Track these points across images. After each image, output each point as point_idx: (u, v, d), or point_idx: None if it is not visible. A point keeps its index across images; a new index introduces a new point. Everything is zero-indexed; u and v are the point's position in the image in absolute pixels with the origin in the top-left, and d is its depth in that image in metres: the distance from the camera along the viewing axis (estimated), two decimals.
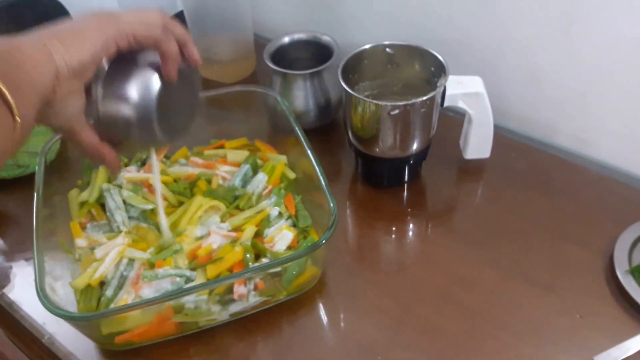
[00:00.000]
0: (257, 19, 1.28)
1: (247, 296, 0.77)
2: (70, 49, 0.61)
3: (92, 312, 0.78)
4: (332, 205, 0.78)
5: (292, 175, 0.96)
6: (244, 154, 0.99)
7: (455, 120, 1.05)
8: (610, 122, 0.99)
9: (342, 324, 0.83)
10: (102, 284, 0.82)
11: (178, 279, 0.79)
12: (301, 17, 1.26)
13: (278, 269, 0.77)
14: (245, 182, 0.94)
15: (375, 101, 0.87)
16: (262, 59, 1.04)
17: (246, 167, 0.95)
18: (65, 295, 0.77)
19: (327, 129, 1.10)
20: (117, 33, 0.65)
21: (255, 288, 0.77)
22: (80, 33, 0.62)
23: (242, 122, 1.02)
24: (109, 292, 0.80)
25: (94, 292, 0.80)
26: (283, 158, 0.98)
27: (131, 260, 0.83)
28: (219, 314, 0.78)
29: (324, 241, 0.76)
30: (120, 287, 0.81)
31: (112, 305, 0.79)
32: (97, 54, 0.63)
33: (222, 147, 1.02)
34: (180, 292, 0.73)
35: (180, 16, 1.20)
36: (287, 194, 0.92)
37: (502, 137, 1.03)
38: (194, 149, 1.02)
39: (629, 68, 0.92)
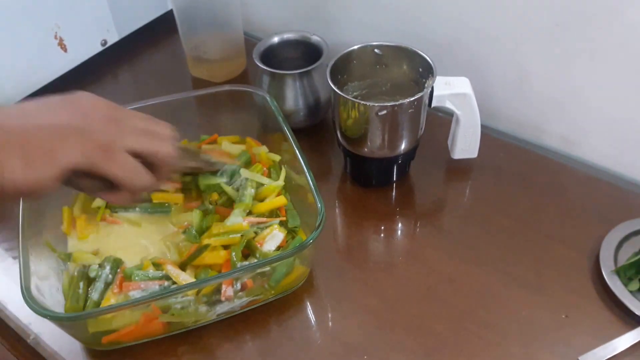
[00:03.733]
0: (247, 18, 1.28)
1: (234, 296, 0.77)
2: (27, 170, 0.55)
3: (78, 312, 0.78)
4: (319, 205, 0.78)
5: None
6: (239, 147, 0.98)
7: (443, 120, 1.06)
8: (597, 123, 0.99)
9: (329, 324, 0.83)
10: (89, 284, 0.82)
11: (167, 282, 0.79)
12: (291, 16, 1.26)
13: (266, 268, 0.77)
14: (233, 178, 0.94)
15: (363, 102, 0.87)
16: (252, 57, 1.04)
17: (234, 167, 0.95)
18: (51, 295, 0.77)
19: (316, 128, 1.10)
20: (101, 159, 0.61)
21: (244, 288, 0.77)
22: (51, 151, 0.57)
23: (232, 121, 1.02)
24: (94, 295, 0.80)
25: (81, 293, 0.80)
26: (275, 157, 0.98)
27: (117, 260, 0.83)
28: (206, 314, 0.78)
29: (311, 241, 0.76)
30: (106, 288, 0.81)
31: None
32: (60, 178, 0.58)
33: (214, 142, 1.02)
34: (166, 293, 0.73)
35: (171, 15, 1.20)
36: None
37: (490, 138, 1.03)
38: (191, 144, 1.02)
39: (615, 69, 0.92)
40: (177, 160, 0.73)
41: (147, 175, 0.67)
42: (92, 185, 0.66)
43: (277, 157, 0.96)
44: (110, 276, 0.81)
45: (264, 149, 0.98)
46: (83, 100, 0.64)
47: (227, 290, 0.76)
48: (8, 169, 0.54)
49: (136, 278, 0.79)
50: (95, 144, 0.61)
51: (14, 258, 0.91)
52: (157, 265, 0.81)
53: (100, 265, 0.81)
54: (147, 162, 0.67)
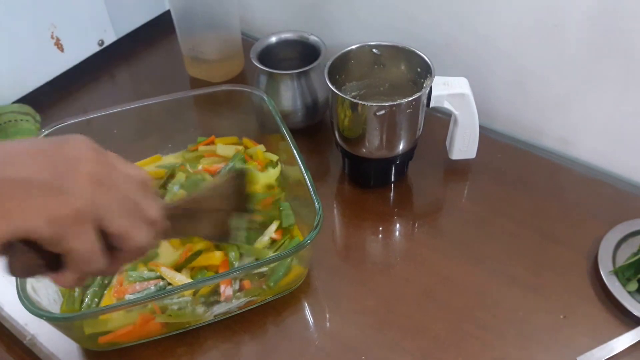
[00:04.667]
0: (244, 18, 1.28)
1: (232, 297, 0.77)
2: None
3: (74, 312, 0.77)
4: (317, 205, 0.78)
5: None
6: (233, 149, 0.98)
7: (441, 121, 1.06)
8: (595, 123, 0.99)
9: (327, 324, 0.83)
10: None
11: (162, 282, 0.79)
12: (289, 16, 1.26)
13: (264, 269, 0.77)
14: None
15: (361, 102, 0.87)
16: (249, 57, 1.04)
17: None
18: (47, 295, 0.76)
19: (314, 129, 1.10)
20: (68, 230, 0.49)
21: (241, 288, 0.77)
22: (6, 210, 0.46)
23: (229, 121, 1.02)
24: (90, 299, 0.80)
25: (77, 296, 0.80)
26: (272, 156, 0.98)
27: None
28: (204, 315, 0.78)
29: (309, 241, 0.76)
30: (102, 291, 0.80)
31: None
32: (13, 238, 0.47)
33: (212, 143, 1.02)
34: (164, 293, 0.73)
35: (168, 15, 1.20)
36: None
37: (488, 138, 1.03)
38: (188, 147, 1.02)
39: (613, 69, 0.92)
40: (146, 251, 0.57)
41: (102, 260, 0.53)
42: (30, 261, 0.52)
43: (274, 157, 0.96)
44: (105, 280, 0.80)
45: (260, 148, 0.98)
46: (72, 149, 0.52)
47: (227, 290, 0.76)
48: None
49: (130, 279, 0.79)
50: (67, 210, 0.49)
51: None
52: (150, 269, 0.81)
53: None
54: (111, 244, 0.53)
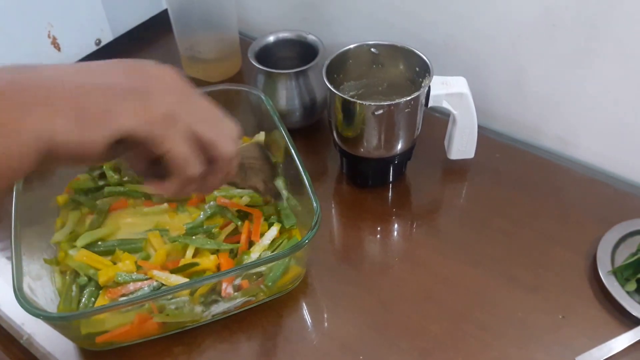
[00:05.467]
0: (242, 17, 1.27)
1: (230, 296, 0.77)
2: (81, 132, 0.49)
3: (71, 312, 0.77)
4: (315, 205, 0.78)
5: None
6: None
7: (440, 120, 1.06)
8: (594, 123, 0.99)
9: (325, 324, 0.83)
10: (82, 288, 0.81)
11: (155, 283, 0.78)
12: (287, 16, 1.26)
13: (262, 268, 0.76)
14: None
15: (359, 101, 0.87)
16: (247, 57, 1.04)
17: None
18: (44, 295, 0.76)
19: (312, 128, 1.09)
20: (161, 130, 0.53)
21: (239, 288, 0.77)
22: (107, 111, 0.50)
23: None
24: (86, 299, 0.79)
25: (74, 296, 0.79)
26: None
27: None
28: (202, 315, 0.78)
29: (307, 241, 0.75)
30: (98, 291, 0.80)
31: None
32: (111, 142, 0.50)
33: None
34: (161, 293, 0.73)
35: (165, 14, 1.19)
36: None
37: (487, 138, 1.03)
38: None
39: (612, 69, 0.92)
40: (236, 176, 0.66)
41: (198, 164, 0.58)
42: (138, 163, 0.61)
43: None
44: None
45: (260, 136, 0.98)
46: (149, 66, 0.56)
47: (228, 288, 0.76)
48: (61, 130, 0.48)
49: (119, 279, 0.78)
50: (157, 112, 0.53)
51: (8, 258, 0.90)
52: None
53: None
54: (204, 155, 0.59)
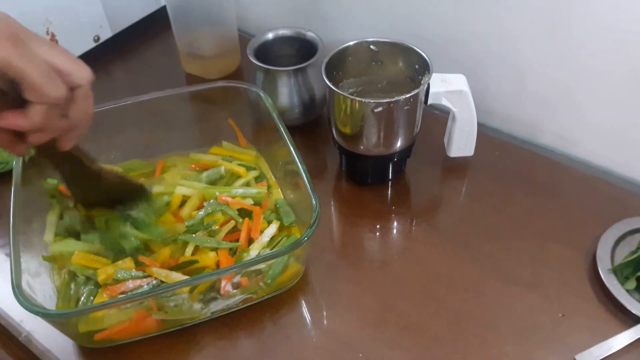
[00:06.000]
0: (241, 14, 1.27)
1: (230, 292, 0.77)
2: None
3: (69, 309, 0.77)
4: (314, 202, 0.78)
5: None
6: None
7: (439, 118, 1.05)
8: (594, 121, 0.99)
9: (324, 322, 0.83)
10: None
11: (154, 280, 0.78)
12: (286, 13, 1.25)
13: (262, 266, 0.76)
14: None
15: (358, 98, 0.86)
16: (246, 54, 1.03)
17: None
18: (42, 292, 0.76)
19: (311, 126, 1.09)
20: (12, 50, 0.52)
21: (238, 285, 0.77)
22: None
23: (225, 118, 1.01)
24: (85, 298, 0.79)
25: (73, 292, 0.79)
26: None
27: None
28: (201, 312, 0.78)
29: (305, 238, 0.75)
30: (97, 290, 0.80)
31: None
32: None
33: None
34: (160, 290, 0.72)
35: (164, 11, 1.19)
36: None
37: (486, 136, 1.03)
38: (190, 155, 1.01)
39: (612, 67, 0.92)
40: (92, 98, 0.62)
41: (62, 86, 0.56)
42: None
43: (252, 152, 0.98)
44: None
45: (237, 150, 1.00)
46: None
47: (227, 286, 0.75)
48: None
49: (118, 276, 0.78)
50: (4, 32, 0.52)
51: (6, 255, 0.90)
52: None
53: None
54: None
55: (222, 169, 0.95)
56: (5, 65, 0.51)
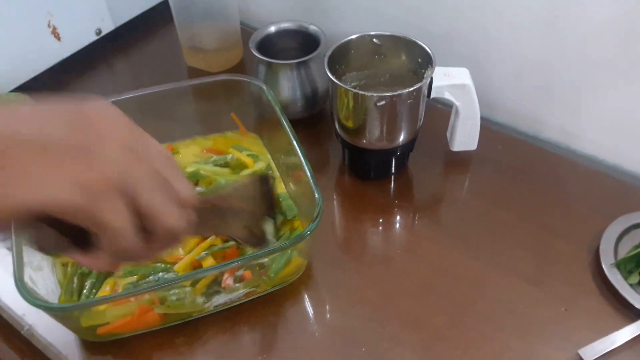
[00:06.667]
0: (243, 7, 1.27)
1: (232, 285, 0.77)
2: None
3: (73, 302, 0.77)
4: (317, 196, 0.78)
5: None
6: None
7: (442, 112, 1.05)
8: (596, 115, 0.98)
9: (327, 316, 0.83)
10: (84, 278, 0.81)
11: (161, 273, 0.78)
12: (288, 6, 1.25)
13: (265, 259, 0.76)
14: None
15: (361, 92, 0.86)
16: (248, 48, 1.03)
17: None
18: (45, 286, 0.75)
19: (313, 119, 1.09)
20: (97, 200, 0.43)
21: (241, 279, 0.77)
22: (26, 174, 0.41)
23: (228, 111, 1.01)
24: (86, 291, 0.79)
25: (75, 285, 0.79)
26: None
27: None
28: (203, 306, 0.78)
29: (308, 232, 0.75)
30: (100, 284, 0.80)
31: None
32: (36, 208, 0.41)
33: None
34: (162, 284, 0.72)
35: (166, 4, 1.19)
36: None
37: (489, 130, 1.02)
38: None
39: (615, 60, 0.91)
40: (180, 236, 0.52)
41: (135, 240, 0.48)
42: (56, 236, 0.47)
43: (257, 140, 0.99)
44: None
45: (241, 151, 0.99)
46: (96, 113, 0.46)
47: (228, 279, 0.75)
48: None
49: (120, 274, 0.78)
50: (101, 176, 0.43)
51: (8, 249, 0.90)
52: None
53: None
54: (142, 225, 0.48)
55: (229, 156, 0.95)
56: (79, 213, 0.43)
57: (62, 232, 0.47)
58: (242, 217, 0.65)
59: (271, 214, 0.68)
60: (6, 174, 0.40)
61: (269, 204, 0.68)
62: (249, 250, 0.78)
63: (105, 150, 0.44)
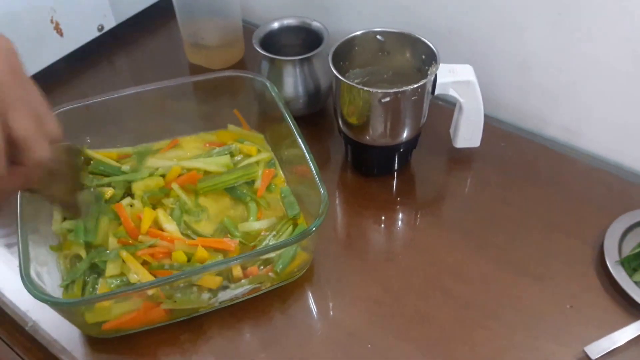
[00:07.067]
0: (245, 4, 1.27)
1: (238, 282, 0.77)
2: None
3: (79, 297, 0.76)
4: (322, 192, 0.77)
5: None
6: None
7: (445, 109, 1.05)
8: (600, 113, 0.98)
9: (332, 312, 0.82)
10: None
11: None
12: (290, 3, 1.25)
13: (272, 254, 0.76)
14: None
15: (366, 88, 0.86)
16: (250, 45, 1.03)
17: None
18: (50, 281, 0.75)
19: (315, 116, 1.09)
20: None
21: (247, 275, 0.77)
22: None
23: (230, 108, 1.01)
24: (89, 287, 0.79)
25: (77, 280, 0.79)
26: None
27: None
28: (208, 302, 0.77)
29: (314, 228, 0.75)
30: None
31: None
32: None
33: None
34: (169, 280, 0.72)
35: (168, 0, 1.18)
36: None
37: (492, 127, 1.02)
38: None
39: (618, 58, 0.91)
40: (42, 170, 0.54)
41: (3, 163, 0.49)
42: None
43: (259, 135, 0.99)
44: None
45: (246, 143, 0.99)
46: None
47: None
48: None
49: (112, 285, 0.78)
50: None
51: (8, 245, 0.90)
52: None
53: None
54: (11, 152, 0.50)
55: (233, 146, 0.95)
56: None
57: None
58: (65, 179, 0.67)
59: (80, 186, 0.73)
60: None
61: (78, 175, 0.71)
62: None
63: None
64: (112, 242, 0.82)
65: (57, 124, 0.55)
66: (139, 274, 0.77)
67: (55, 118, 0.55)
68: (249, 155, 0.96)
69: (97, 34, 1.20)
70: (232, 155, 0.95)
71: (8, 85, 0.48)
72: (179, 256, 0.79)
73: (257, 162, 0.94)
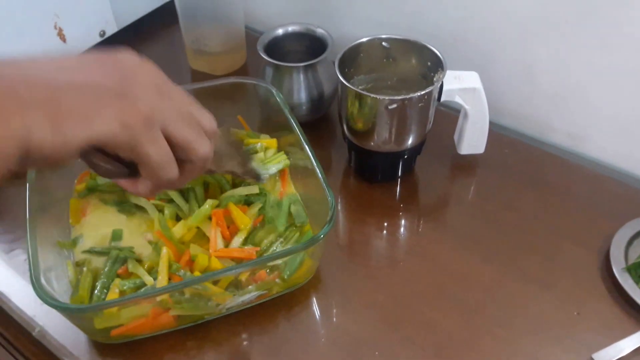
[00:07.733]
0: (249, 10, 1.26)
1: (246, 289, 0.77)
2: (56, 134, 0.46)
3: (88, 304, 0.76)
4: (330, 198, 0.77)
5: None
6: None
7: (449, 115, 1.05)
8: (604, 119, 0.99)
9: (338, 319, 0.82)
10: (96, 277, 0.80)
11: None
12: (293, 10, 1.25)
13: (279, 261, 0.76)
14: None
15: (373, 95, 0.86)
16: (252, 51, 1.03)
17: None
18: (58, 286, 0.75)
19: (317, 122, 1.09)
20: (141, 133, 0.51)
21: (256, 280, 0.76)
22: (85, 114, 0.48)
23: (233, 115, 1.01)
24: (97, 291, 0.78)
25: (86, 285, 0.78)
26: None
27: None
28: (216, 308, 0.77)
29: (322, 235, 0.75)
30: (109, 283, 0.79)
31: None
32: (85, 147, 0.49)
33: None
34: (181, 285, 0.72)
35: (170, 6, 1.18)
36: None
37: (496, 134, 1.02)
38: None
39: (623, 65, 0.92)
40: (211, 164, 0.64)
41: (174, 167, 0.57)
42: (109, 166, 0.56)
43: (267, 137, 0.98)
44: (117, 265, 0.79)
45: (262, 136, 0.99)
46: (127, 60, 0.55)
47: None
48: (36, 130, 0.44)
49: (124, 287, 0.77)
50: (137, 114, 0.51)
51: (14, 250, 0.89)
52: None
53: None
54: (178, 156, 0.58)
55: (259, 145, 0.94)
56: (129, 144, 0.52)
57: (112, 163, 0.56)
58: (232, 156, 0.79)
59: (249, 157, 0.86)
60: (71, 115, 0.47)
61: (241, 149, 0.85)
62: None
63: (140, 92, 0.52)
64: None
65: (210, 118, 0.62)
66: (161, 275, 0.77)
67: (206, 112, 0.62)
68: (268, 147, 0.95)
69: (99, 39, 1.20)
70: (256, 152, 0.94)
71: (157, 103, 0.53)
72: (202, 260, 0.79)
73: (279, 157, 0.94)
